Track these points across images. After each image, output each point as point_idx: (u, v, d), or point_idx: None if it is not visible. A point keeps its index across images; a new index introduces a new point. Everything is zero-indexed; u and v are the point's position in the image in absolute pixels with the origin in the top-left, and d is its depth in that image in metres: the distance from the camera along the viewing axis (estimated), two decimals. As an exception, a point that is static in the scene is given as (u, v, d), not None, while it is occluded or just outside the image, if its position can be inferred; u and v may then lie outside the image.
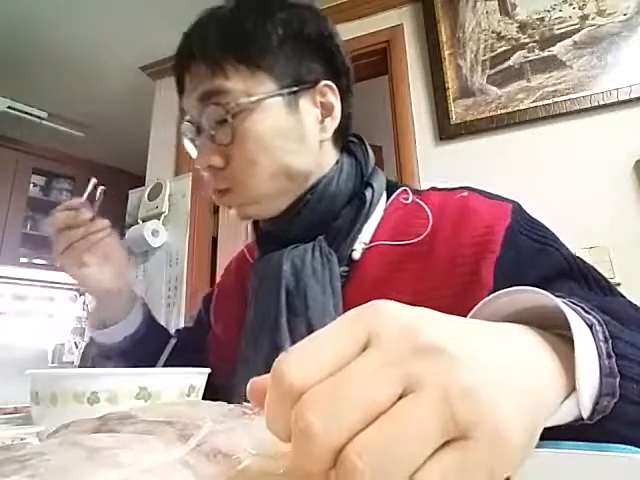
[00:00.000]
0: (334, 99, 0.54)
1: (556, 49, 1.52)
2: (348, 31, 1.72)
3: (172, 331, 0.76)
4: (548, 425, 0.22)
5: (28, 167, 2.92)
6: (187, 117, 0.55)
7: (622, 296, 0.42)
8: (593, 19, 1.50)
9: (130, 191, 2.14)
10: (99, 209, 0.63)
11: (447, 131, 1.60)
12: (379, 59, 1.79)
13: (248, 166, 0.51)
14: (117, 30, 2.06)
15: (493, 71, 1.59)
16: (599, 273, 0.44)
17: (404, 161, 1.63)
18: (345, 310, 0.23)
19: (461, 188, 0.56)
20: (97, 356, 0.67)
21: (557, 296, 0.25)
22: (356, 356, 0.17)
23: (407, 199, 0.56)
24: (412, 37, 1.77)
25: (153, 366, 0.64)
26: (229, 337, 0.60)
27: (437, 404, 0.15)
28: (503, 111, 1.54)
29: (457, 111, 1.60)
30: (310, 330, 0.47)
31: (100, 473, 0.18)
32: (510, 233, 0.47)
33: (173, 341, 0.69)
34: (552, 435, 0.23)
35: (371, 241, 0.53)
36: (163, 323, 0.76)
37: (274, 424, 0.17)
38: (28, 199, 2.91)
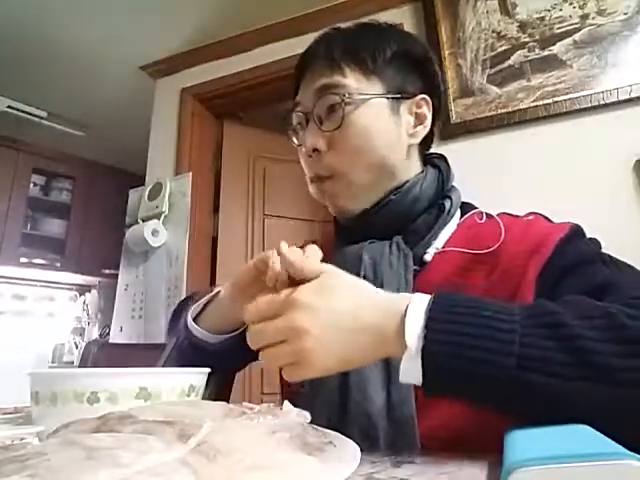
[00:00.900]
0: (427, 112, 0.62)
1: (556, 48, 1.52)
2: (348, 31, 1.72)
3: None
4: (407, 381, 0.35)
5: (28, 167, 2.92)
6: (298, 108, 0.62)
7: None
8: (593, 18, 1.49)
9: (130, 191, 2.14)
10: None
11: (447, 130, 1.60)
12: (379, 59, 1.79)
13: (351, 153, 0.58)
14: (117, 30, 2.06)
15: (493, 70, 1.59)
16: (625, 264, 0.49)
17: (404, 161, 1.63)
18: None
19: (529, 213, 0.61)
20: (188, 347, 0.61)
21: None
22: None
23: (481, 219, 0.60)
24: (412, 37, 1.77)
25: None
26: None
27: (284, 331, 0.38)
28: (503, 110, 1.54)
29: (457, 110, 1.60)
30: None
31: (100, 473, 0.18)
32: (563, 241, 0.51)
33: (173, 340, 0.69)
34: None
35: (443, 247, 0.57)
36: (163, 323, 0.76)
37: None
38: (28, 199, 2.91)
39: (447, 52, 1.66)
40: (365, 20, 0.65)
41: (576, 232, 0.54)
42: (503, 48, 1.59)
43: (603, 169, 1.40)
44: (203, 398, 0.46)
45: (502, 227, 0.55)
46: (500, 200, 1.43)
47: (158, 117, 2.24)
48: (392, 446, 0.46)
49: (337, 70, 0.58)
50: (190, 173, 2.00)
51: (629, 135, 1.38)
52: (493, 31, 1.62)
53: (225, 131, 2.28)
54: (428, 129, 0.63)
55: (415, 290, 0.52)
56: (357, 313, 0.37)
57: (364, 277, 0.54)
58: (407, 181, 0.60)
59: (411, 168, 0.62)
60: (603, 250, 0.53)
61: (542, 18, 1.56)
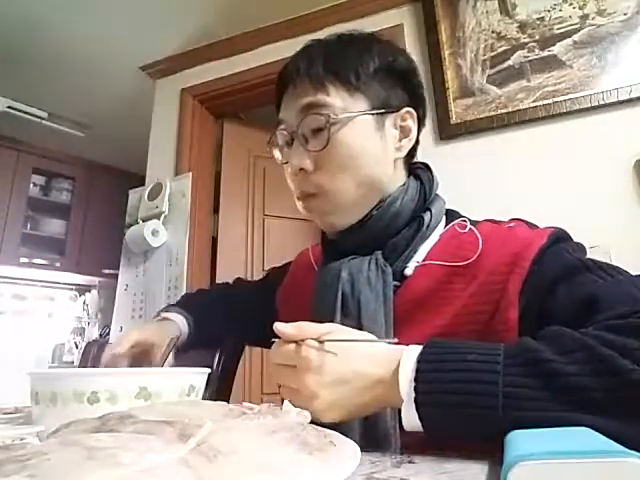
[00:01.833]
0: (412, 124, 0.62)
1: (556, 49, 1.52)
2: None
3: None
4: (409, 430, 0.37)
5: (28, 167, 2.92)
6: (282, 126, 0.61)
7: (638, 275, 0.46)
8: (593, 19, 1.49)
9: (130, 191, 2.14)
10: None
11: (447, 131, 1.60)
12: (379, 59, 1.78)
13: (337, 172, 0.58)
14: (117, 30, 2.06)
15: (493, 71, 1.59)
16: (610, 266, 0.48)
17: (404, 161, 1.63)
18: (394, 323, 0.53)
19: (511, 220, 0.61)
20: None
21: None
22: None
23: (463, 228, 0.59)
24: (412, 37, 1.77)
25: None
26: None
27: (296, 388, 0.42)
28: (503, 111, 1.54)
29: (457, 111, 1.60)
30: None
31: (100, 473, 0.18)
32: (541, 253, 0.50)
33: (174, 341, 0.70)
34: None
35: (424, 261, 0.58)
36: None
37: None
38: (28, 199, 2.91)
39: (447, 52, 1.66)
40: (349, 28, 0.64)
41: (556, 239, 0.53)
42: (503, 48, 1.59)
43: (603, 169, 1.40)
44: (203, 398, 0.46)
45: (479, 238, 0.56)
46: (500, 200, 1.44)
47: (158, 117, 2.24)
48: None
49: (321, 89, 0.57)
50: (190, 173, 2.00)
51: (629, 135, 1.38)
52: (493, 31, 1.62)
53: (225, 131, 2.28)
54: (414, 142, 0.63)
55: (395, 305, 0.55)
56: (359, 371, 0.41)
57: (342, 294, 0.56)
58: (390, 195, 0.60)
59: (397, 180, 0.62)
60: (591, 253, 0.53)
61: (542, 18, 1.56)
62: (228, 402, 0.35)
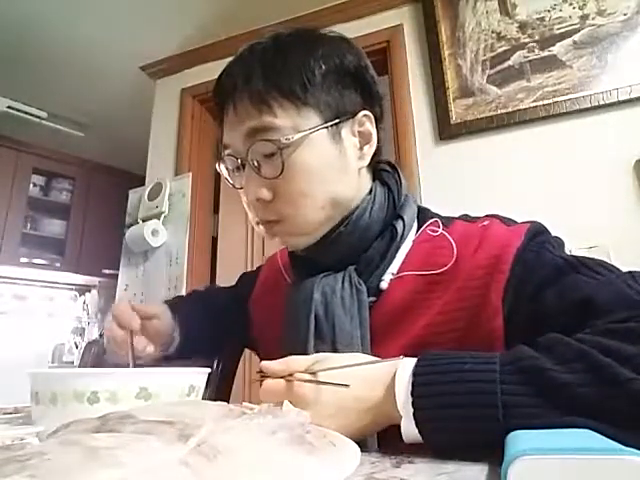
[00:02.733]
0: (371, 127, 0.57)
1: (556, 49, 1.52)
2: (348, 31, 1.71)
3: None
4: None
5: (28, 167, 2.92)
6: (228, 150, 0.56)
7: (629, 272, 0.45)
8: (593, 19, 1.50)
9: (130, 191, 2.14)
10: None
11: (447, 131, 1.60)
12: (379, 59, 1.79)
13: (299, 198, 0.53)
14: (117, 30, 2.06)
15: (493, 71, 1.59)
16: (595, 262, 0.47)
17: (404, 161, 1.63)
18: (371, 337, 0.51)
19: (486, 216, 0.58)
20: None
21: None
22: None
23: (435, 231, 0.57)
24: (412, 37, 1.77)
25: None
26: (270, 348, 0.62)
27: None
28: (503, 111, 1.54)
29: (457, 111, 1.60)
30: None
31: (100, 473, 0.18)
32: (520, 254, 0.49)
33: (175, 341, 0.71)
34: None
35: (399, 271, 0.55)
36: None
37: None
38: (28, 199, 2.91)
39: (447, 52, 1.66)
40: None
41: (533, 235, 0.51)
42: (503, 49, 1.59)
43: (603, 169, 1.40)
44: (203, 398, 0.46)
45: (454, 244, 0.54)
46: (500, 200, 1.44)
47: (158, 117, 2.24)
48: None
49: (265, 110, 0.51)
50: (190, 173, 2.01)
51: (629, 135, 1.38)
52: (493, 32, 1.62)
53: (225, 131, 2.27)
54: (375, 146, 0.58)
55: (372, 320, 0.53)
56: (356, 396, 0.40)
57: (315, 317, 0.54)
58: (357, 207, 0.56)
59: (363, 189, 0.58)
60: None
61: (542, 19, 1.56)
62: (228, 402, 0.35)
